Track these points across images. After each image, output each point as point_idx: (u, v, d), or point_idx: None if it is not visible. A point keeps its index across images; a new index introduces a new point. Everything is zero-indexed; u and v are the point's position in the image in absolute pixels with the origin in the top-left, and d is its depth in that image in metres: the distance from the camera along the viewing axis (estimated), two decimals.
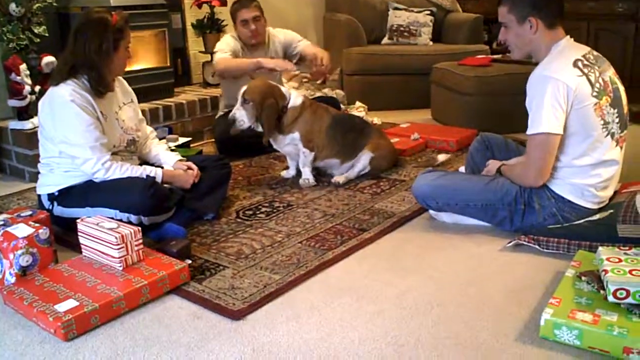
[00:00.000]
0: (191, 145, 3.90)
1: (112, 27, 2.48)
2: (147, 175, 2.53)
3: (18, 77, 3.31)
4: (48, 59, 3.42)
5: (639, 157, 3.08)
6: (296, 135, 3.13)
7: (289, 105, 3.11)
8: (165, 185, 2.62)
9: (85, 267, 2.15)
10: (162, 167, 2.69)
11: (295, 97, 3.16)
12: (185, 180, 2.67)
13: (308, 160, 3.19)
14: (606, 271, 1.83)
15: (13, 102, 3.39)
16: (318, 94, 4.73)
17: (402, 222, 2.67)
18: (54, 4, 3.57)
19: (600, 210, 2.36)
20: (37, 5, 3.45)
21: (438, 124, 4.51)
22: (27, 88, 3.34)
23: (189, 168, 2.73)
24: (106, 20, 2.49)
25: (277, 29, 3.94)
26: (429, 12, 5.56)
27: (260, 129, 3.08)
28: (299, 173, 3.28)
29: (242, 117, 3.01)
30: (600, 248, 2.02)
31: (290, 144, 3.17)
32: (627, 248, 2.00)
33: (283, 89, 3.18)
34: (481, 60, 4.50)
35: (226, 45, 3.69)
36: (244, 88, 3.04)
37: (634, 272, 1.80)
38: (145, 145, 2.82)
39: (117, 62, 2.54)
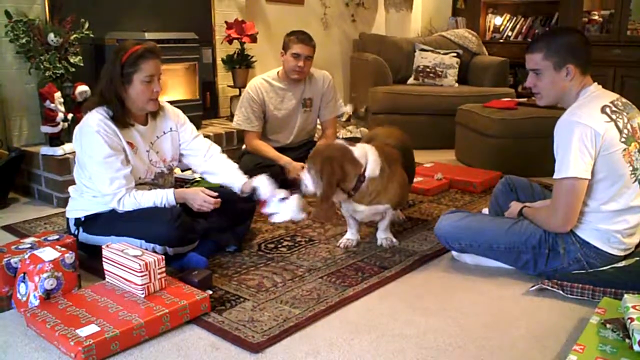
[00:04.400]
0: None
1: (122, 61, 2.44)
2: (171, 205, 2.51)
3: (52, 105, 3.40)
4: (82, 88, 3.53)
5: None
6: (386, 205, 2.74)
7: (368, 175, 2.63)
8: (190, 216, 2.64)
9: (107, 293, 2.17)
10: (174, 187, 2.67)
11: (373, 164, 2.65)
12: (193, 199, 2.56)
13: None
14: (632, 319, 1.80)
15: (46, 129, 3.47)
16: (342, 133, 4.78)
17: (423, 261, 2.66)
18: (91, 35, 3.69)
19: (626, 257, 2.33)
20: (74, 36, 3.58)
21: (462, 164, 4.51)
22: (60, 115, 3.44)
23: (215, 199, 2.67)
24: (118, 53, 2.47)
25: (326, 74, 3.86)
26: (455, 54, 5.62)
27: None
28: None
29: (306, 180, 2.69)
30: (626, 295, 1.98)
31: (377, 213, 2.81)
32: None
33: (357, 152, 2.66)
34: (507, 103, 4.53)
35: (251, 111, 3.65)
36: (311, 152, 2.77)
37: None
38: (209, 163, 2.80)
39: (134, 95, 2.49)
